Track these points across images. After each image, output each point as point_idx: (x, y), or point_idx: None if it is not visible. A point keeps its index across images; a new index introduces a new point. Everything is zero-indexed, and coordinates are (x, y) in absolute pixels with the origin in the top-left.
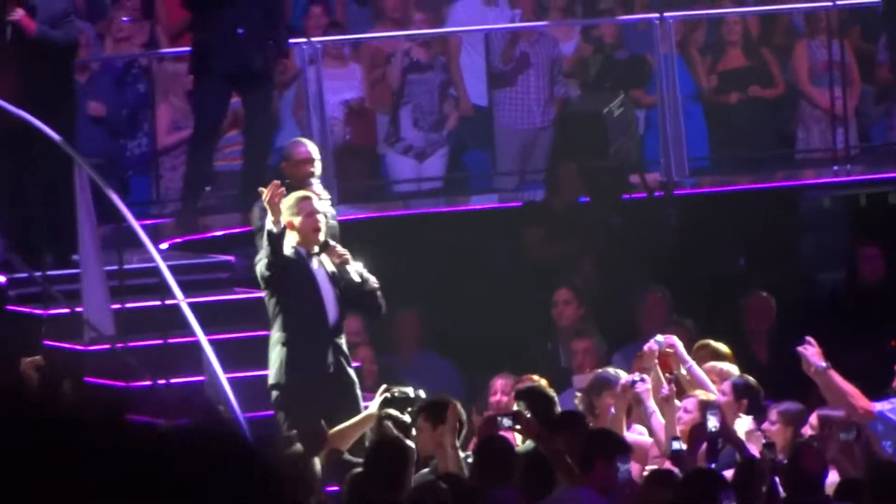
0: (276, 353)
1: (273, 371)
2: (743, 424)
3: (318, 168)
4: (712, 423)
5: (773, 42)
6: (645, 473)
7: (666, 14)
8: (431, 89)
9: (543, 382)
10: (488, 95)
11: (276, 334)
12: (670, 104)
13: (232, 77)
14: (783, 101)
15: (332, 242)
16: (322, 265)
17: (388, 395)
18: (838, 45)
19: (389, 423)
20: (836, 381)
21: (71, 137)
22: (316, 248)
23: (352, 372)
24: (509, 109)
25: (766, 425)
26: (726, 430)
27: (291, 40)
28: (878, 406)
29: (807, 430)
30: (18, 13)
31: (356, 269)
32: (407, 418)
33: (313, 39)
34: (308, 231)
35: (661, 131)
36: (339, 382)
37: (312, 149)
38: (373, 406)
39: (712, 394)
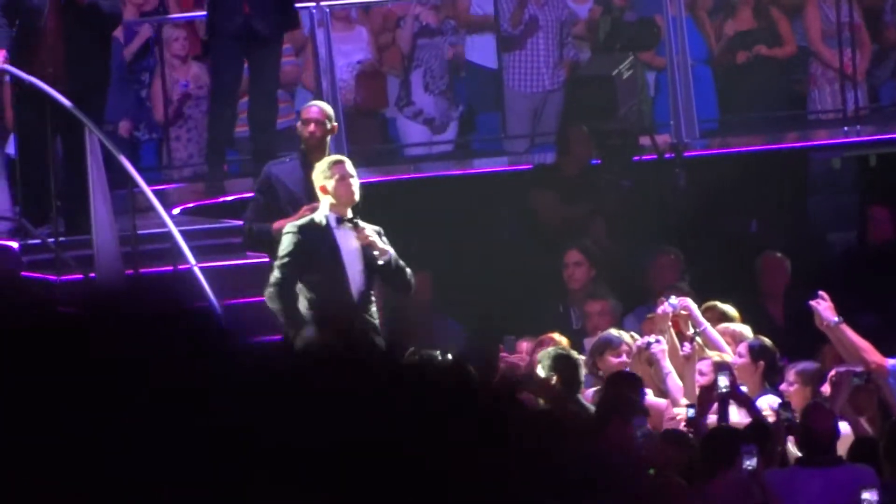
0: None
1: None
2: (767, 401)
3: (327, 130)
4: (723, 382)
5: (783, 2)
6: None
7: None
8: (441, 53)
9: (564, 341)
10: (497, 58)
11: (301, 310)
12: (680, 66)
13: (239, 38)
14: (793, 61)
15: (361, 224)
16: (352, 234)
17: (413, 358)
18: (847, 5)
19: None
20: (849, 336)
21: (102, 104)
22: (349, 213)
23: (381, 343)
24: (519, 72)
25: (783, 386)
26: (735, 391)
27: (299, 4)
28: (891, 361)
29: (826, 389)
30: None
31: (383, 255)
32: None
33: (322, 3)
34: (342, 195)
35: (670, 93)
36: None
37: (320, 110)
38: None
39: (727, 355)
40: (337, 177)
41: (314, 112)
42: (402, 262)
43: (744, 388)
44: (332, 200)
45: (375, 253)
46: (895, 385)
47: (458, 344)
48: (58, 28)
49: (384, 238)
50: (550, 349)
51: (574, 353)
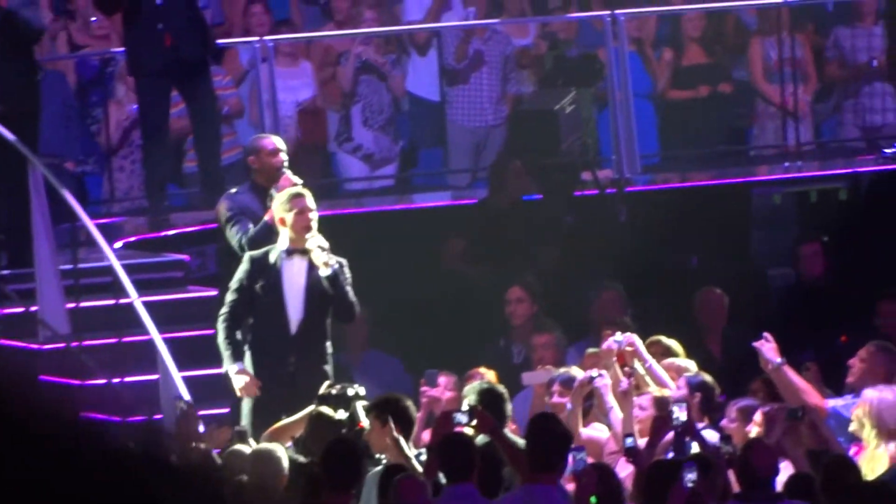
0: (244, 360)
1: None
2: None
3: (285, 160)
4: (679, 415)
5: (725, 41)
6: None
7: (617, 11)
8: (381, 88)
9: (492, 375)
10: (440, 93)
11: (239, 341)
12: (622, 102)
13: (164, 72)
14: (736, 97)
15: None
16: (304, 265)
17: (325, 392)
18: (790, 41)
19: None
20: (791, 378)
21: (35, 132)
22: (307, 246)
23: (325, 370)
24: (462, 107)
25: (724, 422)
26: (691, 425)
27: (242, 39)
28: (832, 402)
29: (751, 427)
30: None
31: (325, 267)
32: (340, 415)
33: (265, 38)
34: (299, 228)
35: (612, 128)
36: (300, 382)
37: (277, 140)
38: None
39: (668, 391)
40: (296, 210)
41: (277, 143)
42: (348, 289)
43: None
44: (290, 233)
45: (319, 266)
46: (835, 427)
47: (396, 379)
48: None
49: (345, 269)
50: (476, 383)
51: (500, 387)
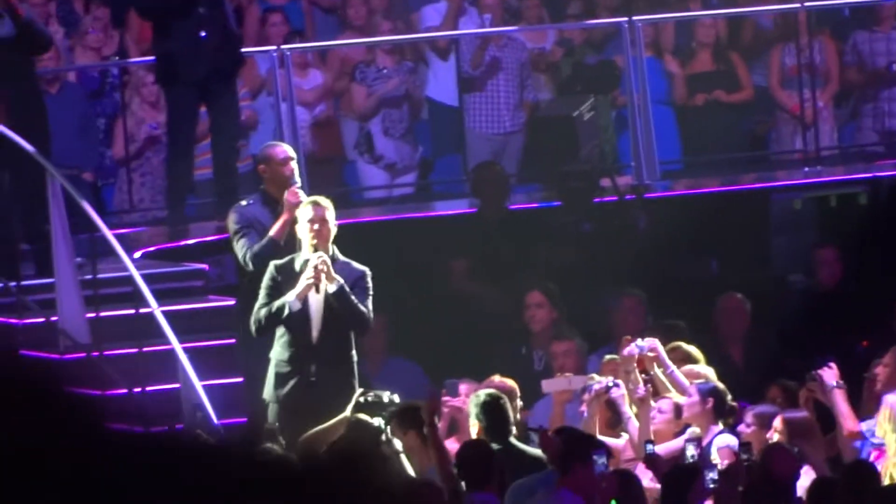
0: (270, 368)
1: (266, 385)
2: (724, 439)
3: (296, 169)
4: (690, 452)
5: (742, 45)
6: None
7: (634, 17)
8: (400, 97)
9: (510, 382)
10: (459, 99)
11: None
12: (640, 108)
13: (199, 83)
14: (754, 103)
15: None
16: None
17: (360, 399)
18: (807, 47)
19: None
20: (838, 401)
21: (46, 144)
22: (308, 261)
23: (348, 377)
24: (479, 114)
25: (741, 427)
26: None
27: (260, 48)
28: (864, 425)
29: (771, 434)
30: None
31: (330, 282)
32: (377, 422)
33: (283, 47)
34: (318, 239)
35: (631, 134)
36: (322, 389)
37: (289, 149)
38: (348, 409)
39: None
40: (307, 220)
41: (288, 151)
42: (359, 302)
43: (696, 429)
44: (311, 242)
45: (324, 279)
46: (861, 447)
47: (417, 385)
48: None
49: (367, 279)
50: (474, 395)
51: (503, 397)
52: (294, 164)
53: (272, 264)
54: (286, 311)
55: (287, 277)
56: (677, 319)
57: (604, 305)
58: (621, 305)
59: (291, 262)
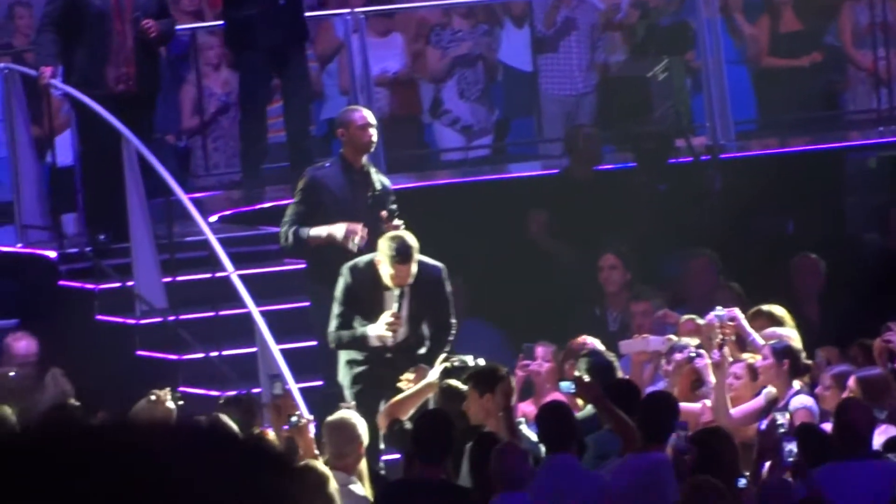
0: (342, 359)
1: (339, 371)
2: (801, 401)
3: (374, 135)
4: (780, 420)
5: (814, 4)
6: None
7: None
8: (475, 59)
9: (597, 343)
10: (532, 62)
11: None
12: (714, 68)
13: (274, 49)
14: (828, 63)
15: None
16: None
17: (447, 364)
18: (881, 4)
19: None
20: None
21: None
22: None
23: (422, 349)
24: (552, 76)
25: (819, 389)
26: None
27: (336, 11)
28: None
29: (846, 395)
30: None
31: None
32: (465, 387)
33: (356, 10)
34: (396, 280)
35: (705, 95)
36: (398, 364)
37: (369, 115)
38: (432, 375)
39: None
40: (398, 269)
41: (368, 117)
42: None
43: (772, 390)
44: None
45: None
46: None
47: (494, 347)
48: (123, 29)
49: (446, 280)
50: (583, 353)
51: (608, 356)
52: (373, 131)
53: (347, 269)
54: (365, 342)
55: (365, 284)
56: (752, 279)
57: (676, 266)
58: (692, 266)
59: (371, 269)
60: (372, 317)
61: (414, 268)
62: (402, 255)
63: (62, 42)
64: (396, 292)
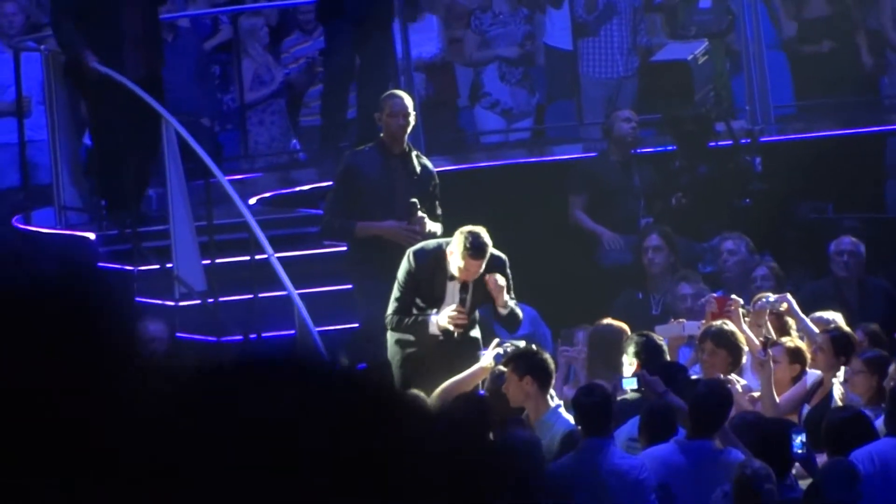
0: (391, 339)
1: (388, 350)
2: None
3: (411, 122)
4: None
5: None
6: None
7: None
8: (515, 42)
9: (623, 326)
10: (573, 45)
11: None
12: (754, 52)
13: (361, 20)
14: (868, 47)
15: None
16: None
17: (499, 349)
18: None
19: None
20: None
21: (161, 91)
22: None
23: (473, 335)
24: (593, 59)
25: (848, 373)
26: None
27: None
28: None
29: (888, 384)
30: None
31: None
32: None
33: None
34: (462, 276)
35: (746, 79)
36: (448, 349)
37: (407, 103)
38: (484, 360)
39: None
40: (469, 264)
41: (404, 105)
42: (513, 304)
43: (818, 372)
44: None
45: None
46: None
47: (534, 330)
48: (133, 11)
49: (508, 271)
50: (632, 337)
51: (658, 338)
52: (410, 119)
53: (412, 253)
54: (425, 329)
55: (428, 271)
56: (791, 262)
57: (715, 249)
58: (725, 248)
59: (437, 256)
60: (431, 303)
61: (483, 265)
62: (476, 250)
63: (82, 29)
64: (460, 285)
